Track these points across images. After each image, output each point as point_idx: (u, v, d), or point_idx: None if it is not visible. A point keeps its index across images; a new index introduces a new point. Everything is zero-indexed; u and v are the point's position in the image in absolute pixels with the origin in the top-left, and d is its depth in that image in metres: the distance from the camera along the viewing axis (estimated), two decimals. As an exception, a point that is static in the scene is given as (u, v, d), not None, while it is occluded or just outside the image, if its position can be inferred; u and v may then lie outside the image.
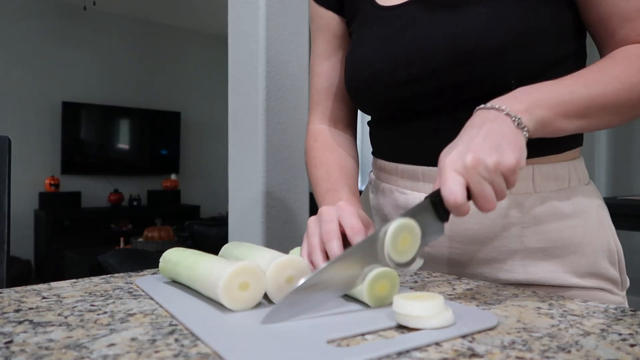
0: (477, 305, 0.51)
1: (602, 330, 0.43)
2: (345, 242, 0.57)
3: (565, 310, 0.49)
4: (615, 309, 0.49)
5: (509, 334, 0.41)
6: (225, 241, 2.37)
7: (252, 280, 0.48)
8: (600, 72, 0.58)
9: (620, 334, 0.41)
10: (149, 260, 2.38)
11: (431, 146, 0.68)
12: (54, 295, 0.55)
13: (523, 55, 0.61)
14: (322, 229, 0.57)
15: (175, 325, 0.44)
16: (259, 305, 0.50)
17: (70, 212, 4.56)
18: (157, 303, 0.52)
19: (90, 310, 0.49)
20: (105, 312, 0.48)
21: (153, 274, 0.67)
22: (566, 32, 0.63)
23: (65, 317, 0.46)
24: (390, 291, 0.49)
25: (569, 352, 0.37)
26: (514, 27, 0.60)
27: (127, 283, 0.62)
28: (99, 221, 4.70)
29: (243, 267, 0.47)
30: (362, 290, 0.49)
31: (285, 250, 0.63)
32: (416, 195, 0.69)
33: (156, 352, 0.37)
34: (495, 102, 0.53)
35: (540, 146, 0.61)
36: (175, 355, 0.37)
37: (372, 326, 0.43)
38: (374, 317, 0.45)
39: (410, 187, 0.70)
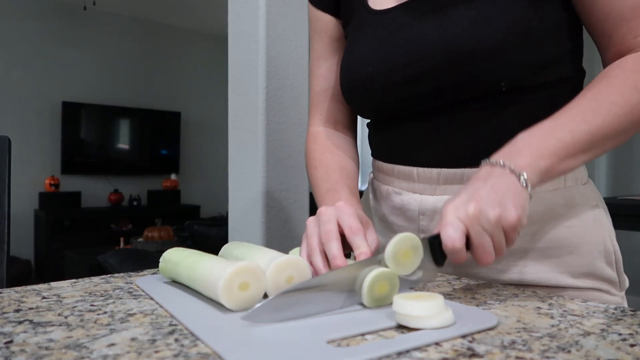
0: (477, 305, 0.51)
1: (602, 330, 0.43)
2: (344, 242, 0.57)
3: (565, 310, 0.49)
4: (615, 309, 0.49)
5: (509, 334, 0.41)
6: (225, 241, 2.37)
7: (252, 280, 0.48)
8: (597, 100, 0.57)
9: (620, 334, 0.41)
10: (149, 260, 2.38)
11: (426, 147, 0.68)
12: (54, 295, 0.55)
13: (513, 57, 0.60)
14: (320, 230, 0.57)
15: (175, 325, 0.44)
16: (258, 305, 0.50)
17: (70, 212, 4.56)
18: (157, 303, 0.52)
19: (90, 310, 0.49)
20: (105, 312, 0.48)
21: (153, 273, 0.67)
22: (559, 32, 0.63)
23: (65, 317, 0.46)
24: (389, 292, 0.49)
25: (569, 352, 0.37)
26: (503, 30, 0.59)
27: (127, 283, 0.62)
28: (99, 221, 4.70)
29: (243, 267, 0.47)
30: (361, 292, 0.49)
31: (285, 250, 0.63)
32: (411, 196, 0.69)
33: (156, 352, 0.38)
34: (499, 157, 0.54)
35: None
36: (175, 355, 0.37)
37: (372, 326, 0.43)
38: (373, 317, 0.45)
39: (405, 188, 0.71)
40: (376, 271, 0.48)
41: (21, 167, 4.46)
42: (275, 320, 0.44)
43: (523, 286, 0.65)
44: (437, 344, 0.39)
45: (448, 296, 0.55)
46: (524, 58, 0.61)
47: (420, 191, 0.69)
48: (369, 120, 0.80)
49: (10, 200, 0.90)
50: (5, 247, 0.88)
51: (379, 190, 0.76)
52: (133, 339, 0.40)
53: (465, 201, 0.50)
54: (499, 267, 0.66)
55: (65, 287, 0.59)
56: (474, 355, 0.37)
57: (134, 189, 5.19)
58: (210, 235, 2.95)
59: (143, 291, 0.57)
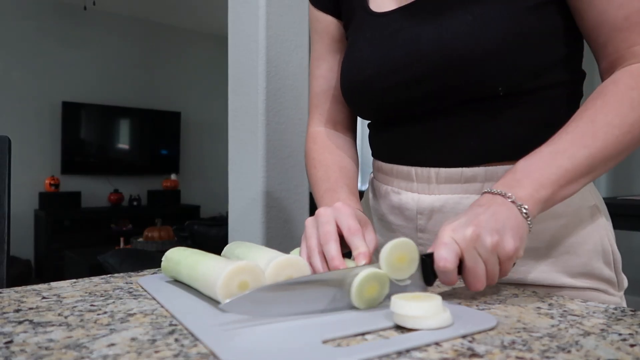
0: (477, 306, 0.51)
1: (602, 330, 0.43)
2: (343, 242, 0.57)
3: (565, 310, 0.49)
4: (615, 309, 0.49)
5: (509, 334, 0.41)
6: (225, 241, 2.37)
7: (251, 279, 0.48)
8: (594, 122, 0.56)
9: (620, 334, 0.41)
10: (149, 260, 2.38)
11: (425, 147, 0.68)
12: (54, 295, 0.55)
13: (510, 61, 0.60)
14: (319, 231, 0.57)
15: (175, 325, 0.45)
16: (259, 305, 0.50)
17: (70, 212, 4.56)
18: (157, 302, 0.52)
19: (90, 310, 0.49)
20: (105, 312, 0.48)
21: (153, 273, 0.67)
22: (557, 36, 0.62)
23: (65, 317, 0.46)
24: (379, 293, 0.49)
25: (569, 352, 0.37)
26: (500, 34, 0.59)
27: (127, 283, 0.62)
28: (99, 221, 4.70)
29: (242, 266, 0.48)
30: (351, 291, 0.48)
31: (286, 250, 0.63)
32: (409, 195, 0.69)
33: (156, 352, 0.38)
34: (501, 187, 0.54)
35: (534, 147, 0.61)
36: (175, 355, 0.37)
37: (370, 326, 0.42)
38: (371, 318, 0.45)
39: (404, 187, 0.71)
40: (367, 271, 0.48)
41: (21, 167, 4.46)
42: (253, 313, 0.44)
43: (523, 286, 0.65)
44: (437, 344, 0.39)
45: (448, 296, 0.55)
46: (522, 62, 0.61)
47: (418, 190, 0.69)
48: (369, 121, 0.80)
49: (10, 200, 0.90)
50: (5, 247, 0.88)
51: (379, 190, 0.76)
52: (133, 339, 0.40)
53: (464, 224, 0.50)
54: None
55: (65, 287, 0.59)
56: (474, 355, 0.37)
57: (134, 189, 5.19)
58: (210, 235, 2.95)
59: (144, 290, 0.57)
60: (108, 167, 5.00)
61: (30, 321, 0.45)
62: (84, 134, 4.85)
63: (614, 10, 0.58)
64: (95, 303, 0.52)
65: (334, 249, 0.54)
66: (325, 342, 0.39)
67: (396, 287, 0.50)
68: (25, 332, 0.42)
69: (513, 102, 0.63)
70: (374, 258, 0.56)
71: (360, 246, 0.55)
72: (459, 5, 0.62)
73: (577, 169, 0.55)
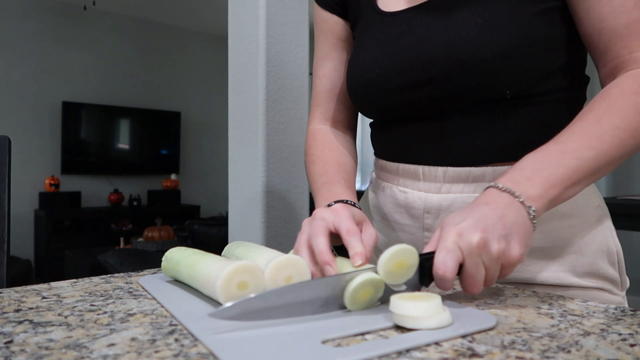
0: (477, 306, 0.51)
1: (602, 330, 0.43)
2: (340, 242, 0.57)
3: (565, 310, 0.49)
4: (615, 309, 0.49)
5: (509, 334, 0.41)
6: (225, 241, 2.37)
7: (250, 279, 0.48)
8: (600, 124, 0.56)
9: (620, 334, 0.41)
10: (149, 260, 2.38)
11: (432, 147, 0.68)
12: (54, 295, 0.55)
13: (517, 66, 0.60)
14: (311, 227, 0.58)
15: (175, 325, 0.45)
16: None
17: (70, 212, 4.56)
18: (157, 302, 0.52)
19: (90, 310, 0.49)
20: (105, 312, 0.48)
21: (153, 273, 0.67)
22: (561, 41, 0.63)
23: (65, 317, 0.46)
24: (373, 296, 0.48)
25: (569, 352, 0.37)
26: (508, 38, 0.59)
27: (127, 283, 0.62)
28: (99, 221, 4.70)
29: (241, 266, 0.48)
30: (345, 294, 0.48)
31: (285, 250, 0.63)
32: (416, 195, 0.70)
33: (156, 352, 0.38)
34: (510, 184, 0.53)
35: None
36: (175, 355, 0.37)
37: (370, 326, 0.42)
38: (371, 318, 0.45)
39: (410, 186, 0.71)
40: (362, 277, 0.47)
41: (21, 167, 4.46)
42: (244, 319, 0.43)
43: (524, 286, 0.65)
44: (436, 343, 0.39)
45: (448, 296, 0.55)
46: (530, 66, 0.61)
47: (425, 190, 0.69)
48: (371, 120, 0.80)
49: (10, 200, 0.90)
50: (5, 247, 0.88)
51: (382, 189, 0.76)
52: (133, 339, 0.40)
53: (471, 228, 0.48)
54: None
55: (65, 287, 0.59)
56: (474, 355, 0.37)
57: (134, 189, 5.19)
58: (210, 235, 2.95)
59: (144, 289, 0.57)
60: (108, 167, 5.00)
61: (30, 321, 0.45)
62: (84, 134, 4.85)
63: (614, 18, 0.59)
64: (95, 303, 0.52)
65: (322, 243, 0.54)
66: (325, 342, 0.39)
67: (391, 290, 0.50)
68: (25, 332, 0.42)
69: (520, 103, 0.64)
70: (374, 256, 0.56)
71: (357, 247, 0.54)
72: (468, 8, 0.62)
73: (583, 170, 0.54)
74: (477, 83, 0.62)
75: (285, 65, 1.49)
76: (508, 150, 0.64)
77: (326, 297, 0.47)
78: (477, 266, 0.48)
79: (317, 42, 0.85)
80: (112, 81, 5.04)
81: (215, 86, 5.62)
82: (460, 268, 0.49)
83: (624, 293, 0.69)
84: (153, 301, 0.53)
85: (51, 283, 0.61)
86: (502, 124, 0.64)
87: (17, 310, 0.49)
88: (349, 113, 0.85)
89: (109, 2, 4.73)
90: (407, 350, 0.38)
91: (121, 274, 0.67)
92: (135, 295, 0.56)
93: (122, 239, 4.28)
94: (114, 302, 0.52)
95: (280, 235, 1.49)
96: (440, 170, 0.67)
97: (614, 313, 0.48)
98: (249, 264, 0.48)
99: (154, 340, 0.40)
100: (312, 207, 1.19)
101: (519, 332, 0.42)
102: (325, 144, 0.80)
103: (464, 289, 0.50)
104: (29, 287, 0.59)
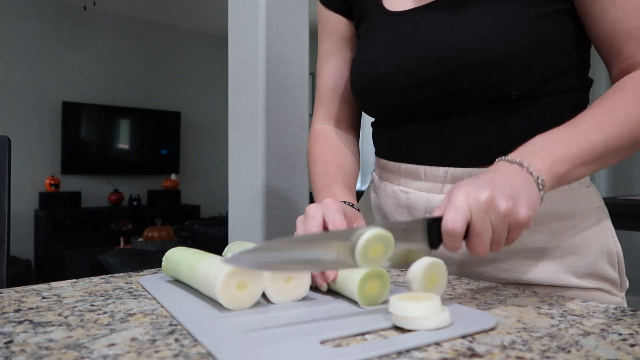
0: (477, 306, 0.51)
1: (602, 330, 0.43)
2: None
3: (565, 310, 0.49)
4: (615, 309, 0.49)
5: (509, 334, 0.41)
6: (225, 241, 2.37)
7: (250, 279, 0.48)
8: (612, 111, 0.57)
9: (620, 334, 0.41)
10: (149, 260, 2.38)
11: (435, 147, 0.68)
12: (54, 295, 0.55)
13: (524, 67, 0.61)
14: (305, 226, 0.58)
15: (175, 325, 0.45)
16: (257, 304, 0.50)
17: (70, 212, 4.56)
18: (157, 302, 0.52)
19: (90, 310, 0.49)
20: (105, 312, 0.48)
21: (153, 273, 0.67)
22: (568, 44, 0.64)
23: (65, 317, 0.46)
24: (381, 290, 0.49)
25: (569, 352, 0.37)
26: (517, 39, 0.60)
27: (127, 283, 0.62)
28: (99, 221, 4.70)
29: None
30: (352, 289, 0.48)
31: (285, 250, 0.63)
32: (417, 195, 0.69)
33: (156, 352, 0.38)
34: (518, 156, 0.53)
35: None
36: (175, 355, 0.37)
37: (370, 326, 0.42)
38: (371, 318, 0.45)
39: (412, 186, 0.71)
40: (373, 231, 0.46)
41: (21, 167, 4.46)
42: (257, 265, 0.42)
43: (524, 286, 0.65)
44: (437, 344, 0.39)
45: (448, 296, 0.55)
46: (536, 68, 0.62)
47: (427, 190, 0.69)
48: (372, 120, 0.80)
49: (10, 200, 0.90)
50: (5, 247, 0.88)
51: (383, 189, 0.76)
52: (133, 339, 0.40)
53: (478, 187, 0.48)
54: (505, 267, 0.66)
55: (65, 287, 0.59)
56: (474, 355, 0.37)
57: (134, 189, 5.19)
58: (210, 235, 2.94)
59: (144, 289, 0.57)
60: (108, 167, 5.00)
61: (30, 321, 0.45)
62: (84, 134, 4.85)
63: (629, 21, 0.60)
64: (95, 303, 0.52)
65: None
66: (324, 342, 0.39)
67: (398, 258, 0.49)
68: (25, 332, 0.42)
69: (524, 104, 0.64)
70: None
71: None
72: (477, 8, 0.62)
73: (592, 152, 0.55)
74: (484, 83, 0.62)
75: (285, 65, 1.49)
76: (510, 151, 0.64)
77: (338, 251, 0.46)
78: (485, 225, 0.47)
79: (320, 42, 0.85)
80: (112, 81, 5.04)
81: (215, 86, 5.62)
82: (468, 228, 0.48)
83: (623, 294, 0.69)
84: (153, 301, 0.53)
85: (51, 283, 0.61)
86: (506, 125, 0.64)
87: (17, 310, 0.49)
88: (353, 112, 0.85)
89: (109, 2, 4.73)
90: (407, 351, 0.38)
91: (121, 274, 0.67)
92: (135, 295, 0.56)
93: (122, 239, 4.28)
94: (114, 302, 0.52)
95: (280, 235, 1.49)
96: (442, 170, 0.67)
97: (614, 313, 0.48)
98: (249, 264, 0.48)
99: (154, 340, 0.40)
100: (312, 207, 1.19)
101: (519, 332, 0.42)
102: (327, 145, 0.80)
103: (470, 250, 0.49)
104: (29, 287, 0.59)
